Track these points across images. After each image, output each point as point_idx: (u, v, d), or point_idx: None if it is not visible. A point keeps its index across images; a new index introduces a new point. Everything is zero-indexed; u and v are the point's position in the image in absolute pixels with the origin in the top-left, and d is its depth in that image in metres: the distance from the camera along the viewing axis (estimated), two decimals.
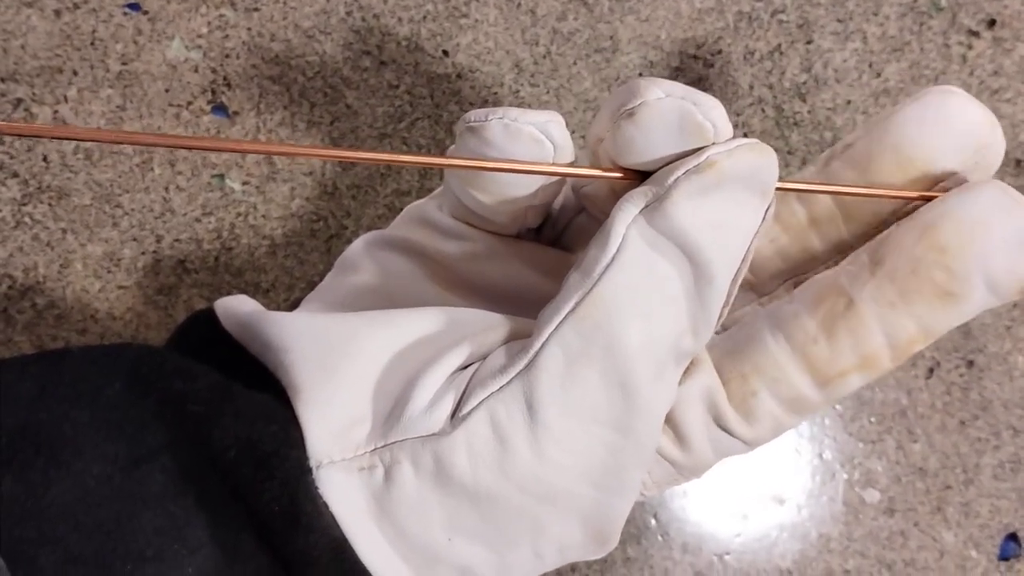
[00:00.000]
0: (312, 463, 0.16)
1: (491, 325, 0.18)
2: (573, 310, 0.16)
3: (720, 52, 0.35)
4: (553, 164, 0.18)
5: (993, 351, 0.34)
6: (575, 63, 0.35)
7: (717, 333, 0.20)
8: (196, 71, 0.35)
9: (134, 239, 0.34)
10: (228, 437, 0.16)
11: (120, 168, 0.34)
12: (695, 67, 0.35)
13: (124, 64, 0.35)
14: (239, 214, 0.34)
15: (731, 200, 0.16)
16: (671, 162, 0.17)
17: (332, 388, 0.17)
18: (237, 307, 0.20)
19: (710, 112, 0.16)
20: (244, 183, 0.34)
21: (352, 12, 0.35)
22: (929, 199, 0.18)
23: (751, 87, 0.35)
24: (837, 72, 0.35)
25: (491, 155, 0.18)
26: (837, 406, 0.34)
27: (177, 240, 0.34)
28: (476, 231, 0.21)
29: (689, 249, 0.16)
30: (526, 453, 0.17)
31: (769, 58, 0.35)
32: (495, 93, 0.35)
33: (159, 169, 0.34)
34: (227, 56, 0.35)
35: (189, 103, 0.35)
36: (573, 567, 0.33)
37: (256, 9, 0.35)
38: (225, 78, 0.35)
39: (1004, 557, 0.33)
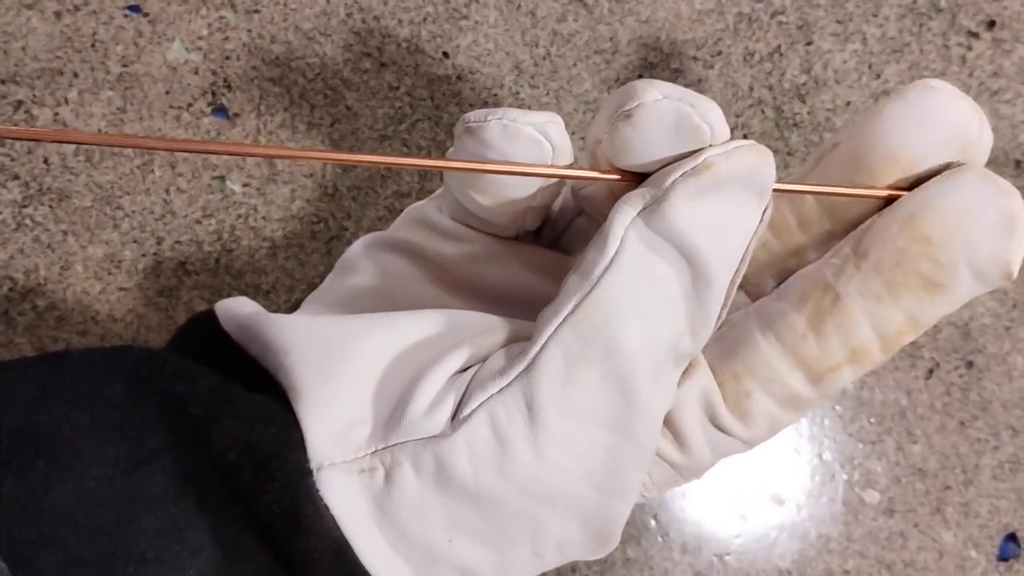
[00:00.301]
0: (313, 465, 0.16)
1: (491, 327, 0.19)
2: (572, 312, 0.16)
3: (720, 53, 0.35)
4: (551, 166, 0.18)
5: (992, 352, 0.34)
6: (575, 65, 0.35)
7: None
8: (196, 73, 0.35)
9: (135, 241, 0.34)
10: (228, 439, 0.16)
11: (121, 170, 0.34)
12: (695, 68, 0.35)
13: (124, 66, 0.35)
14: (240, 216, 0.34)
15: (729, 201, 0.16)
16: (668, 164, 0.17)
17: (332, 390, 0.17)
18: (237, 309, 0.20)
19: (707, 114, 0.16)
20: (245, 185, 0.34)
21: (352, 14, 0.35)
22: None
23: (751, 88, 0.35)
24: (837, 73, 0.35)
25: (490, 156, 0.18)
26: (836, 406, 0.34)
27: (178, 242, 0.34)
28: (476, 233, 0.21)
29: (687, 251, 0.16)
30: (526, 455, 0.17)
31: (769, 59, 0.35)
32: (495, 95, 0.35)
33: (160, 171, 0.34)
34: (227, 58, 0.35)
35: (189, 105, 0.35)
36: (574, 568, 0.33)
37: (256, 11, 0.35)
38: (225, 80, 0.35)
39: (1003, 557, 0.33)
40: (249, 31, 0.35)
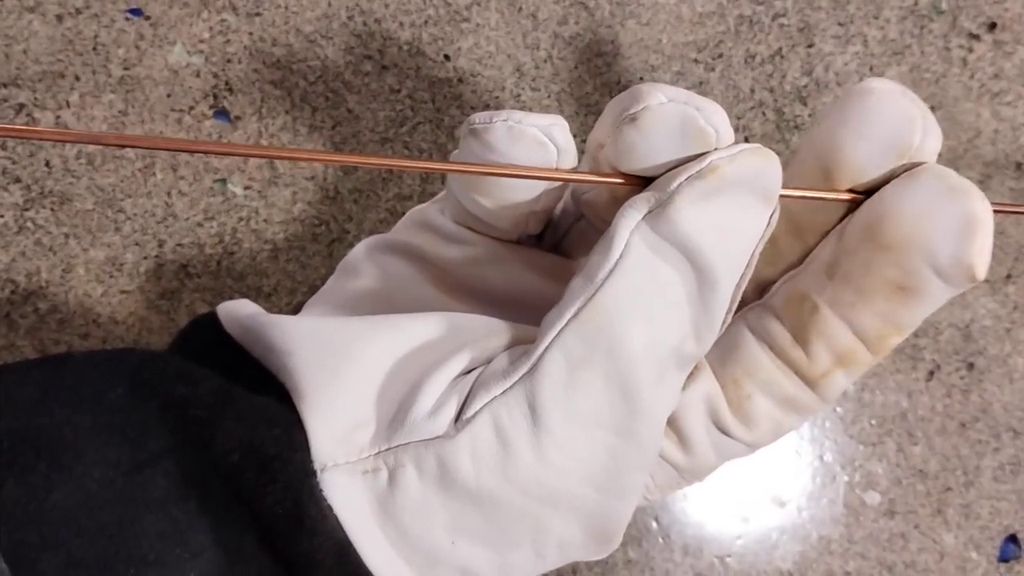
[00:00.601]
0: (316, 466, 0.16)
1: (493, 330, 0.19)
2: (576, 315, 0.16)
3: (721, 56, 0.35)
4: (556, 169, 0.18)
5: (993, 354, 0.34)
6: (576, 67, 0.35)
7: None
8: (198, 76, 0.35)
9: (136, 244, 0.34)
10: (231, 441, 0.16)
11: (122, 173, 0.34)
12: (696, 71, 0.35)
13: (126, 69, 0.35)
14: (241, 218, 0.34)
15: (734, 205, 0.16)
16: (673, 167, 0.17)
17: (335, 391, 0.17)
18: (239, 311, 0.20)
19: (712, 117, 0.16)
20: (246, 187, 0.34)
21: (353, 16, 0.35)
22: None
23: (752, 91, 0.35)
24: (838, 75, 0.35)
25: (494, 158, 0.18)
26: (837, 408, 0.34)
27: (179, 244, 0.34)
28: (478, 236, 0.21)
29: (692, 254, 0.16)
30: (529, 457, 0.17)
31: (770, 62, 0.35)
32: (496, 97, 0.35)
33: (161, 174, 0.34)
34: (229, 61, 0.35)
35: (191, 108, 0.35)
36: (575, 569, 0.33)
37: (258, 14, 0.35)
38: (227, 83, 0.35)
39: (1004, 559, 0.33)
40: (250, 34, 0.35)
